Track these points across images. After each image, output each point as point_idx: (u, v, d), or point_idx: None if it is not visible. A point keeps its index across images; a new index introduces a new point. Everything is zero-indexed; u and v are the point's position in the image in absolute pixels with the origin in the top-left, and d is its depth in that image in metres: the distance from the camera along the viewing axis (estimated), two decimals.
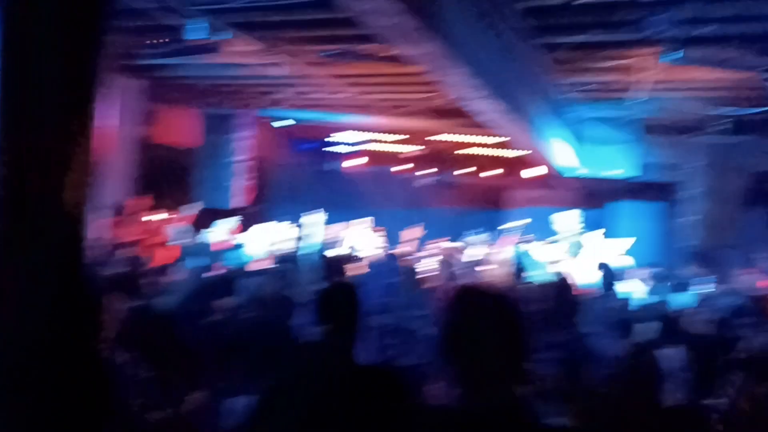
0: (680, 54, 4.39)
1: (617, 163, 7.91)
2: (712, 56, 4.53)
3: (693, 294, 6.23)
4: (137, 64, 6.33)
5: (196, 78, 7.44)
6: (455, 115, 7.78)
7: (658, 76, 5.31)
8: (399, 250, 7.04)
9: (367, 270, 5.35)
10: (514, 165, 11.79)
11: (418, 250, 8.00)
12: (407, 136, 11.15)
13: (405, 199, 14.13)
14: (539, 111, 6.19)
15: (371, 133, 11.29)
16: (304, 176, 13.59)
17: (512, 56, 4.84)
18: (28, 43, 1.44)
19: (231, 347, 3.73)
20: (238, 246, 6.58)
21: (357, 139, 11.73)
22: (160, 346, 3.43)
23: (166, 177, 9.55)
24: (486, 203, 13.65)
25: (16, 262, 1.50)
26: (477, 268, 6.71)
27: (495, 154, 11.44)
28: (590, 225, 11.30)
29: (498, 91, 4.57)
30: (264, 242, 7.86)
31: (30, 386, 1.52)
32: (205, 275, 4.86)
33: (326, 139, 12.04)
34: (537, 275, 5.47)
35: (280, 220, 9.55)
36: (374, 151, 12.49)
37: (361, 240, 8.71)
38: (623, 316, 4.35)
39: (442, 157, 12.87)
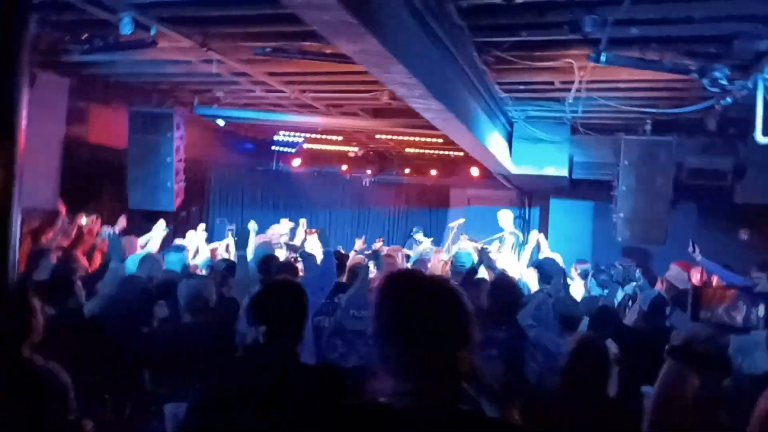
0: (605, 57, 4.54)
1: (551, 161, 8.11)
2: (637, 57, 4.70)
3: (625, 288, 6.46)
4: (64, 60, 6.05)
5: (127, 75, 7.19)
6: (397, 114, 7.80)
7: (590, 76, 5.47)
8: (341, 249, 7.00)
9: (307, 271, 5.29)
10: (455, 164, 11.93)
11: (362, 251, 8.00)
12: (347, 136, 11.09)
13: (346, 199, 14.10)
14: (476, 110, 6.28)
15: (312, 134, 11.18)
16: (241, 177, 13.35)
17: (449, 56, 4.87)
18: None
19: (172, 351, 3.63)
20: (178, 248, 6.40)
21: (297, 139, 11.60)
22: (87, 353, 3.31)
23: (98, 178, 9.22)
24: (428, 203, 13.78)
25: None
26: (418, 267, 6.75)
27: (437, 154, 11.53)
28: (526, 223, 11.61)
29: (434, 90, 4.59)
30: (201, 245, 7.71)
31: None
32: (133, 279, 4.72)
33: (266, 139, 11.86)
34: (477, 273, 5.53)
35: (216, 222, 9.35)
36: (315, 151, 12.40)
37: (298, 240, 8.66)
38: (563, 312, 4.45)
39: (385, 157, 12.90)
